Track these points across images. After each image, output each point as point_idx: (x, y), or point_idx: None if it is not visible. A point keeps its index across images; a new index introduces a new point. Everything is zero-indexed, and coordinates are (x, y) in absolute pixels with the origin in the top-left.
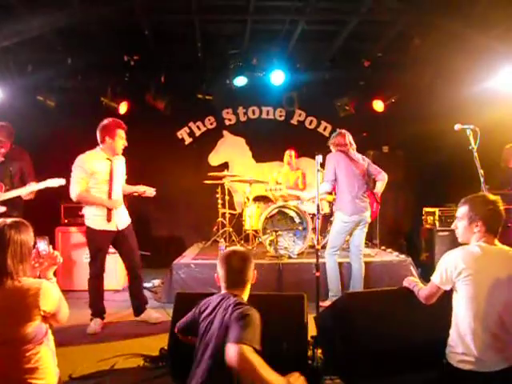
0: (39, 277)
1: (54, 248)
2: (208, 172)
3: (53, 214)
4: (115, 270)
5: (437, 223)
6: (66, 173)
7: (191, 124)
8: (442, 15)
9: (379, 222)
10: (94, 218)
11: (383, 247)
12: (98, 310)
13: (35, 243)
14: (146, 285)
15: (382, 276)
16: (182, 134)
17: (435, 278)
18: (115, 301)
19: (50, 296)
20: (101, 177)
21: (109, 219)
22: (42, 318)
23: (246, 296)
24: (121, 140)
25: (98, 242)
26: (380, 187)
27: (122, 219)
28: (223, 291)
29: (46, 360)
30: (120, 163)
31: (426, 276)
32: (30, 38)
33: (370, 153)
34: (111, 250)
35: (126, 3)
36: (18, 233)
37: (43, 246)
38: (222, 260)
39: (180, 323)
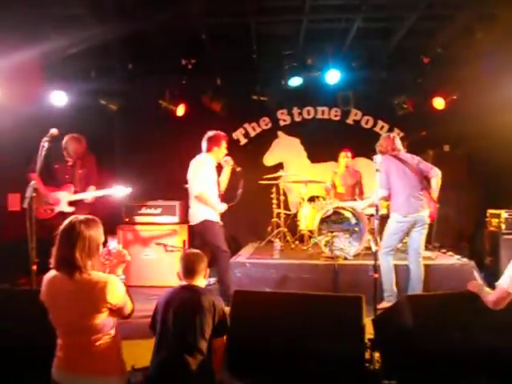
0: (109, 274)
1: None
2: (263, 172)
3: (115, 212)
4: (174, 266)
5: (502, 226)
6: (127, 175)
7: (246, 125)
8: (505, 7)
9: (439, 223)
10: (211, 211)
11: (443, 250)
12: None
13: (106, 241)
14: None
15: (442, 280)
16: (238, 135)
17: (504, 282)
18: None
19: (116, 290)
20: (212, 180)
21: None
22: (108, 311)
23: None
24: (224, 150)
25: (221, 233)
26: (435, 184)
27: None
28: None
29: (113, 350)
30: None
31: (490, 281)
32: (94, 46)
33: (430, 152)
34: (170, 249)
35: (183, 8)
36: (87, 228)
37: (114, 244)
38: None
39: None
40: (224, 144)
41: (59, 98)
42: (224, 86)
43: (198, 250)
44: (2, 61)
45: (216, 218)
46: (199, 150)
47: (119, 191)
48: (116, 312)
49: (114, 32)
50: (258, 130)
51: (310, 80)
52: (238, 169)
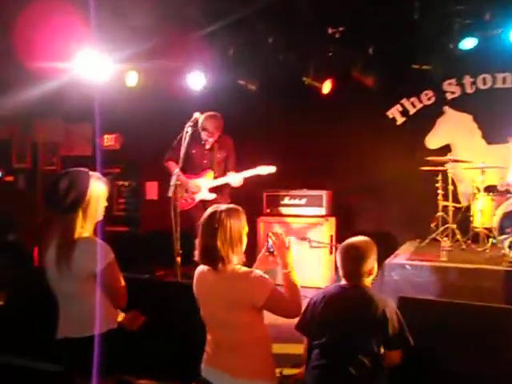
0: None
1: (257, 239)
2: (424, 157)
3: (255, 202)
4: (319, 264)
5: None
6: (266, 161)
7: (404, 101)
8: None
9: None
10: None
11: None
12: None
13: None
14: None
15: None
16: (394, 112)
17: None
18: None
19: (260, 286)
20: None
21: None
22: (254, 308)
23: None
24: None
25: None
26: None
27: None
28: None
29: (262, 352)
30: None
31: None
32: (231, 21)
33: None
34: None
35: None
36: (228, 217)
37: (271, 243)
38: None
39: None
40: None
41: (197, 81)
42: (377, 56)
43: (364, 237)
44: (138, 45)
45: None
46: (347, 131)
47: (264, 170)
48: (273, 307)
49: (253, 4)
50: (419, 105)
51: (487, 41)
52: None
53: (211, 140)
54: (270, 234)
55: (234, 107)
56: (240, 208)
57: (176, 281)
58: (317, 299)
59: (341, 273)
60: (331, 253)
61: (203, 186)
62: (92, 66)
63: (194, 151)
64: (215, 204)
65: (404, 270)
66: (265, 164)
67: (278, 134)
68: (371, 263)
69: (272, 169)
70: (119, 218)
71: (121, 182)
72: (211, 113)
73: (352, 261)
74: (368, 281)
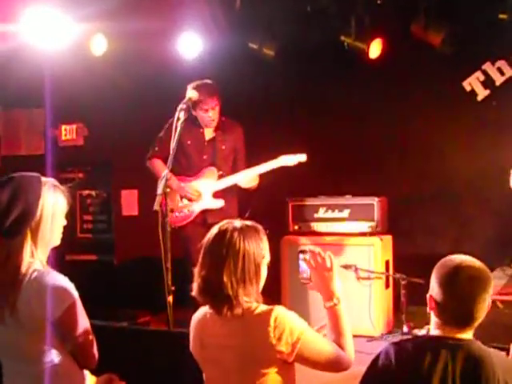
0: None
1: (279, 269)
2: None
3: (277, 214)
4: (370, 303)
5: None
6: (289, 151)
7: (487, 66)
8: None
9: None
10: None
11: None
12: None
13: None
14: (416, 332)
15: None
16: (472, 83)
17: None
18: (368, 353)
19: (286, 331)
20: None
21: None
22: (280, 364)
23: None
24: None
25: None
26: None
27: None
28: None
29: None
30: None
31: None
32: None
33: None
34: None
35: None
36: (242, 240)
37: (303, 262)
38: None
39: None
40: None
41: (191, 46)
42: (448, 5)
43: (475, 261)
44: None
45: None
46: (404, 111)
47: (289, 160)
48: (309, 359)
49: None
50: (510, 72)
51: None
52: None
53: (212, 115)
54: (303, 248)
55: (243, 82)
56: (260, 227)
57: (167, 330)
58: (391, 359)
59: (436, 314)
60: (387, 286)
61: (204, 190)
62: (43, 28)
63: (188, 142)
64: (222, 216)
65: (494, 310)
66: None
67: (305, 117)
68: (488, 300)
69: (301, 157)
70: (85, 243)
71: (86, 192)
72: (207, 81)
73: (471, 292)
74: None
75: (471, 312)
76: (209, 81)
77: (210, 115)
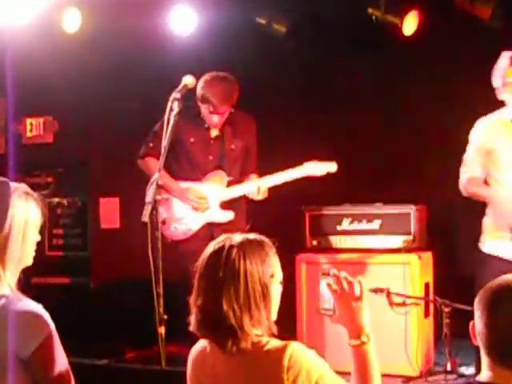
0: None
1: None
2: None
3: (291, 228)
4: (405, 339)
5: None
6: (313, 153)
7: None
8: None
9: None
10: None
11: None
12: None
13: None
14: (463, 371)
15: None
16: None
17: None
18: None
19: (304, 370)
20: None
21: None
22: None
23: None
24: None
25: None
26: None
27: None
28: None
29: None
30: None
31: None
32: None
33: None
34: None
35: None
36: (242, 258)
37: (325, 288)
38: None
39: None
40: None
41: (185, 21)
42: None
43: None
44: None
45: None
46: (451, 103)
47: (316, 169)
48: None
49: None
50: None
51: None
52: None
53: (218, 120)
54: (325, 271)
55: (248, 65)
56: (265, 239)
57: (159, 368)
58: None
59: (485, 351)
60: (427, 314)
61: (211, 198)
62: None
63: (192, 140)
64: (231, 230)
65: None
66: (307, 160)
67: (324, 108)
68: None
69: (331, 166)
70: (55, 262)
71: (56, 200)
72: (216, 73)
73: None
74: None
75: None
76: (229, 76)
77: (214, 119)
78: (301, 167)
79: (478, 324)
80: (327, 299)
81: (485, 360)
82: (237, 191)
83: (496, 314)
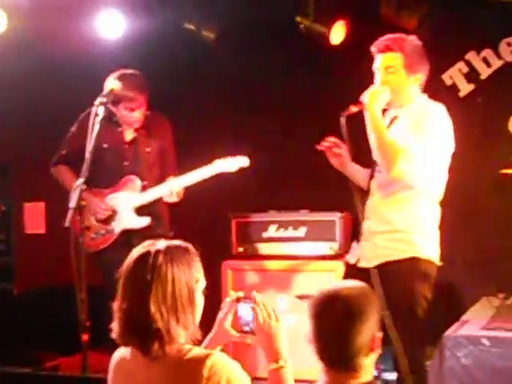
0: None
1: (220, 299)
2: (508, 152)
3: (217, 236)
4: None
5: None
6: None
7: (471, 56)
8: None
9: None
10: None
11: None
12: None
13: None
14: (387, 376)
15: None
16: (454, 76)
17: None
18: None
19: (224, 381)
20: None
21: None
22: None
23: None
24: None
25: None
26: None
27: None
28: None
29: None
30: None
31: None
32: None
33: None
34: None
35: None
36: (169, 263)
37: (245, 310)
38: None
39: None
40: None
41: (112, 25)
42: None
43: (358, 283)
44: None
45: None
46: None
47: (227, 166)
48: None
49: None
50: (498, 63)
51: None
52: None
53: (138, 116)
54: (241, 295)
55: (175, 70)
56: (190, 246)
57: (82, 376)
58: None
59: (317, 357)
60: None
61: (125, 205)
62: None
63: (105, 145)
64: (150, 237)
65: (478, 348)
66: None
67: (250, 114)
68: (372, 329)
69: (242, 161)
70: None
71: None
72: (122, 70)
73: (337, 328)
74: (368, 363)
75: (344, 351)
76: (136, 71)
77: (135, 115)
78: (211, 164)
79: (309, 332)
80: (246, 322)
81: (320, 365)
82: (150, 195)
83: (322, 323)
